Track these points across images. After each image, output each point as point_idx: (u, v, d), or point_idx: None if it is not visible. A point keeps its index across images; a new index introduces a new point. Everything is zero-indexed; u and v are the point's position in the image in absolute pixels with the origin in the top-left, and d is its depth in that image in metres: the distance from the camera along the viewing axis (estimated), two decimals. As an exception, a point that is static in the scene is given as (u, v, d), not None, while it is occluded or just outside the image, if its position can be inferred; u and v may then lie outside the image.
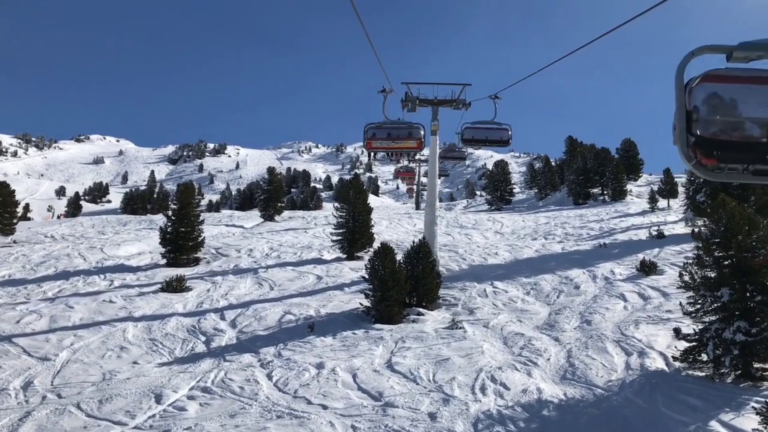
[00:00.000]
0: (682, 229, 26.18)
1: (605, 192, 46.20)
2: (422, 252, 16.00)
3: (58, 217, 73.49)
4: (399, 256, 20.96)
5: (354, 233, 22.33)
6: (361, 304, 15.20)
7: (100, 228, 38.72)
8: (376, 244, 24.71)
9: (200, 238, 23.50)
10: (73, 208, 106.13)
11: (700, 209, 24.54)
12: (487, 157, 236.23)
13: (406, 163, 56.24)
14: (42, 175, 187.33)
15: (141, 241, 28.18)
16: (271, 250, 25.04)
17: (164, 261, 22.91)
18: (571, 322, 14.27)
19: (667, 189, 37.36)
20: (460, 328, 13.91)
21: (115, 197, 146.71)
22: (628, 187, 46.72)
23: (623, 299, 15.71)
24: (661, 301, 15.28)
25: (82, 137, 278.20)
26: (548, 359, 11.98)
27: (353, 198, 22.51)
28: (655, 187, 48.51)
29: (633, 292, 16.28)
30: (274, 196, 40.62)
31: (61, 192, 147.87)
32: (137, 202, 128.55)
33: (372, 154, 14.84)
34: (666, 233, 24.12)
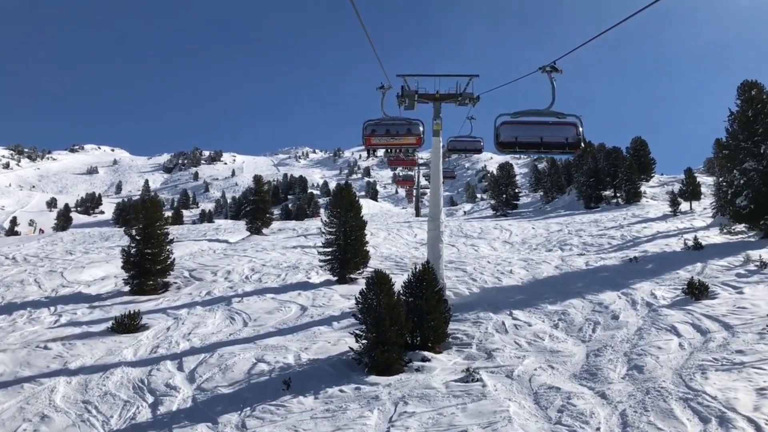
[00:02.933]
0: (717, 236, 23.21)
1: (618, 194, 43.24)
2: (426, 279, 12.98)
3: (41, 232, 70.41)
4: (398, 281, 18.01)
5: (345, 252, 19.27)
6: (351, 348, 12.15)
7: (71, 246, 35.77)
8: (372, 262, 21.75)
9: (169, 260, 20.49)
10: (63, 221, 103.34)
11: (741, 215, 21.57)
12: (487, 158, 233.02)
13: (403, 166, 53.29)
14: (33, 186, 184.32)
15: (109, 262, 25.12)
16: (252, 272, 21.99)
17: (128, 287, 19.93)
18: (617, 368, 11.23)
19: (689, 191, 34.34)
20: (478, 380, 10.86)
21: (109, 208, 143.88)
22: (642, 188, 43.80)
23: (675, 333, 12.66)
24: (725, 336, 12.22)
25: (77, 147, 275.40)
26: (598, 429, 8.95)
27: (344, 211, 19.46)
28: (672, 188, 45.66)
29: (686, 323, 13.24)
30: (261, 206, 37.59)
31: (52, 204, 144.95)
32: (130, 213, 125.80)
33: (371, 150, 14.55)
34: (702, 242, 21.10)
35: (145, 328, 14.89)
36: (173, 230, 46.15)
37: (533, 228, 33.87)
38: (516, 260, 22.29)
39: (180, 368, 12.39)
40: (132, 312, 14.93)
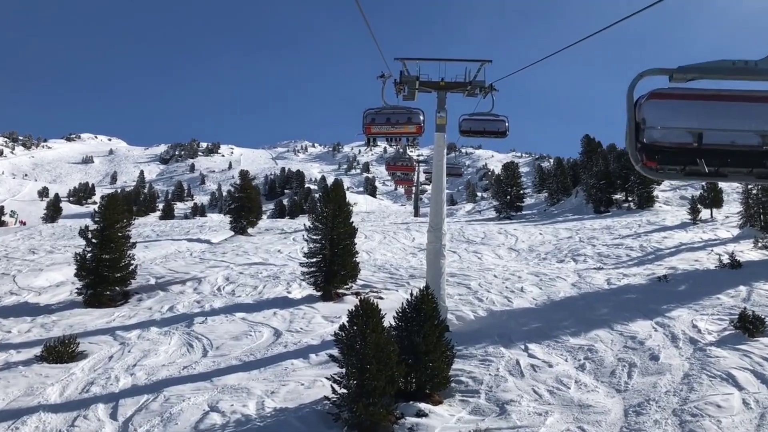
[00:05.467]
0: (753, 252, 20.63)
1: (630, 198, 40.69)
2: (425, 308, 10.42)
3: (22, 223, 67.67)
4: (391, 300, 15.47)
5: (332, 264, 16.67)
6: (326, 398, 9.58)
7: (45, 241, 33.21)
8: (364, 272, 19.21)
9: (131, 267, 17.92)
10: (53, 211, 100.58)
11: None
12: (488, 156, 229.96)
13: (402, 172, 51.76)
14: (26, 175, 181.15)
15: (71, 264, 22.51)
16: (227, 282, 19.37)
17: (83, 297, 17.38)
18: (668, 434, 8.70)
19: (710, 197, 31.77)
20: (489, 449, 8.34)
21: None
22: (655, 192, 41.24)
23: (735, 385, 10.10)
24: (801, 391, 9.69)
25: (73, 136, 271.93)
26: None
27: (331, 216, 16.83)
28: (685, 193, 43.15)
29: (744, 369, 10.68)
30: (247, 204, 34.90)
31: (44, 193, 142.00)
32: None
33: (371, 139, 13.83)
34: (739, 259, 18.53)
35: (82, 356, 12.32)
36: (156, 227, 43.69)
37: (540, 233, 31.36)
38: (526, 274, 19.72)
39: (113, 416, 9.84)
40: (67, 337, 12.35)
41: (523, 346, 12.30)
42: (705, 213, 32.25)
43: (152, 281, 19.62)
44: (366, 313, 9.59)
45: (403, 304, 10.65)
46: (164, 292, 18.25)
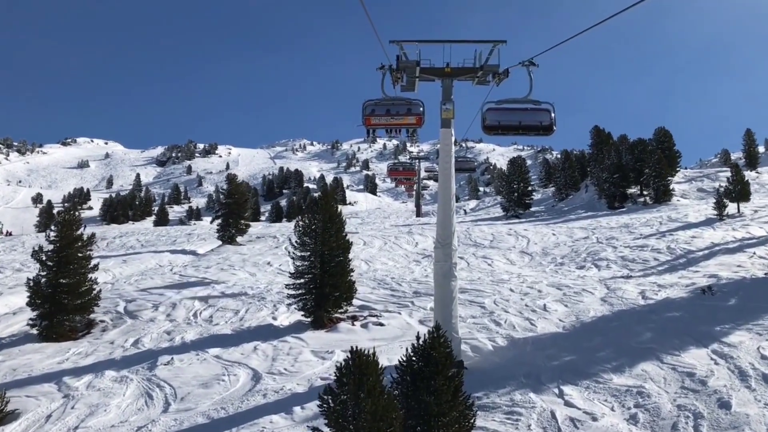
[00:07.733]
0: (800, 254, 18.29)
1: (646, 192, 38.32)
2: (435, 358, 8.10)
3: (8, 234, 65.44)
4: (393, 326, 13.21)
5: (323, 284, 14.34)
6: (311, 484, 7.27)
7: (18, 256, 30.96)
8: (362, 290, 16.92)
9: (93, 292, 15.64)
10: (46, 218, 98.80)
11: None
12: (489, 150, 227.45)
13: (403, 177, 51.43)
14: (20, 181, 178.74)
15: (37, 285, 20.23)
16: (205, 305, 17.03)
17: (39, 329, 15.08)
18: None
19: (736, 189, 29.38)
20: None
21: (98, 204, 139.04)
22: (671, 185, 38.89)
23: (839, 445, 7.81)
24: None
25: (69, 140, 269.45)
26: None
27: (321, 229, 14.47)
28: (702, 184, 40.88)
29: None
30: (235, 211, 32.54)
31: (38, 199, 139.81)
32: (118, 209, 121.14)
33: (370, 131, 12.87)
34: (788, 264, 16.23)
35: (13, 416, 10.02)
36: (143, 236, 41.37)
37: (554, 234, 29.04)
38: (546, 286, 17.41)
39: (35, 508, 7.55)
40: (-7, 393, 10.03)
41: (556, 390, 9.97)
42: (731, 207, 29.90)
43: (121, 306, 17.32)
44: (360, 370, 7.29)
45: (407, 350, 8.31)
46: (132, 320, 15.95)
